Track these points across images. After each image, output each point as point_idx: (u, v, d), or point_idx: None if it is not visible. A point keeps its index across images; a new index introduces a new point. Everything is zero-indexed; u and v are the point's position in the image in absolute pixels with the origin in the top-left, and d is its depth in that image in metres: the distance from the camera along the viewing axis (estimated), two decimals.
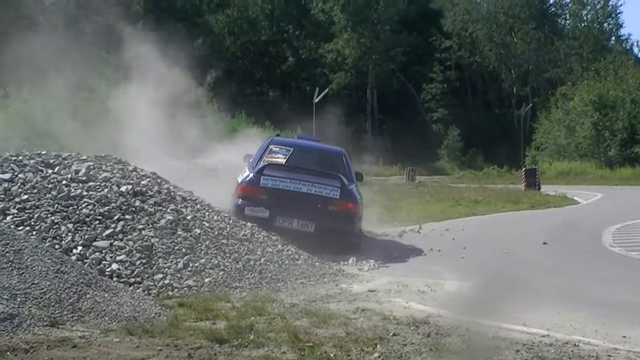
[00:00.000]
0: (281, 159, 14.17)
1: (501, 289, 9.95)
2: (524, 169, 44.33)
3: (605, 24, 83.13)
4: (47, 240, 9.13)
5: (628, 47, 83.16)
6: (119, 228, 9.79)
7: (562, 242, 16.54)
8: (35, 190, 10.13)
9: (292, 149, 14.66)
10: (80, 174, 10.85)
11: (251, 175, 13.48)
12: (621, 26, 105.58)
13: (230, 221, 11.45)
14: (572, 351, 6.69)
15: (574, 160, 59.53)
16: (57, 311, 6.86)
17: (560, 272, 12.19)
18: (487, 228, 19.44)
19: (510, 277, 11.32)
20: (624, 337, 7.39)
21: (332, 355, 6.11)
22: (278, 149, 14.62)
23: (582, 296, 9.87)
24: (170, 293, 8.77)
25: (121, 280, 8.71)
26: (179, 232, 10.23)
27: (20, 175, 10.44)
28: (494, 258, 13.61)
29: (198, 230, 10.47)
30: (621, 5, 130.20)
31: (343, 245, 12.98)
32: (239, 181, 13.64)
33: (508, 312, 8.05)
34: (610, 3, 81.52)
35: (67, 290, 7.16)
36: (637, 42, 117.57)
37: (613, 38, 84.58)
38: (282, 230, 12.35)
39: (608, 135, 58.29)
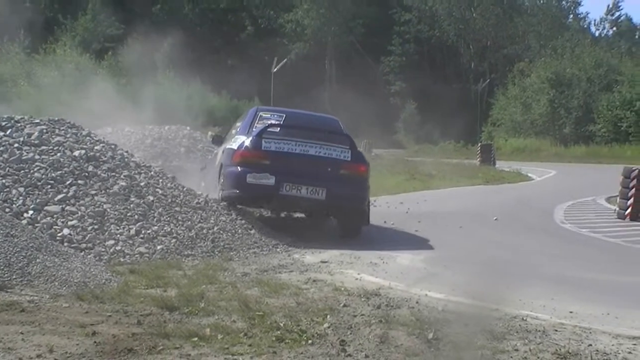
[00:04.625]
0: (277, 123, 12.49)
1: (453, 262, 10.06)
2: (479, 144, 44.82)
3: (563, 2, 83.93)
4: None
5: (585, 26, 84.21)
6: (71, 193, 9.70)
7: (514, 218, 16.71)
8: None
9: (285, 115, 12.91)
10: (32, 137, 10.72)
11: (250, 139, 11.71)
12: (579, 4, 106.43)
13: (184, 189, 11.36)
14: (519, 325, 6.75)
15: (529, 137, 60.17)
16: (6, 275, 6.80)
17: (512, 247, 12.29)
18: (441, 202, 19.52)
19: (462, 251, 11.41)
20: (571, 312, 7.47)
21: (281, 324, 6.11)
22: (269, 114, 12.83)
23: (532, 271, 9.96)
24: (121, 259, 8.74)
25: (72, 245, 8.65)
26: (132, 199, 10.16)
27: None
28: (447, 232, 13.68)
29: (151, 197, 10.41)
30: None
31: (353, 214, 12.06)
32: (235, 148, 11.87)
33: (458, 286, 8.10)
34: None
35: (16, 254, 7.09)
36: (594, 20, 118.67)
37: (571, 16, 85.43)
38: (289, 199, 11.50)
39: (563, 113, 59.04)
